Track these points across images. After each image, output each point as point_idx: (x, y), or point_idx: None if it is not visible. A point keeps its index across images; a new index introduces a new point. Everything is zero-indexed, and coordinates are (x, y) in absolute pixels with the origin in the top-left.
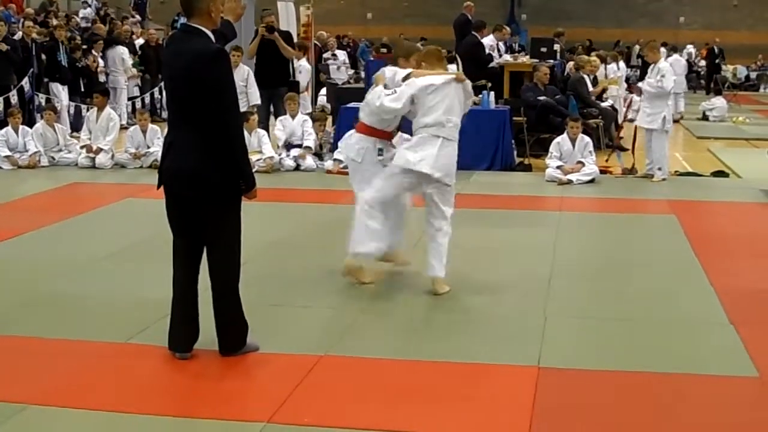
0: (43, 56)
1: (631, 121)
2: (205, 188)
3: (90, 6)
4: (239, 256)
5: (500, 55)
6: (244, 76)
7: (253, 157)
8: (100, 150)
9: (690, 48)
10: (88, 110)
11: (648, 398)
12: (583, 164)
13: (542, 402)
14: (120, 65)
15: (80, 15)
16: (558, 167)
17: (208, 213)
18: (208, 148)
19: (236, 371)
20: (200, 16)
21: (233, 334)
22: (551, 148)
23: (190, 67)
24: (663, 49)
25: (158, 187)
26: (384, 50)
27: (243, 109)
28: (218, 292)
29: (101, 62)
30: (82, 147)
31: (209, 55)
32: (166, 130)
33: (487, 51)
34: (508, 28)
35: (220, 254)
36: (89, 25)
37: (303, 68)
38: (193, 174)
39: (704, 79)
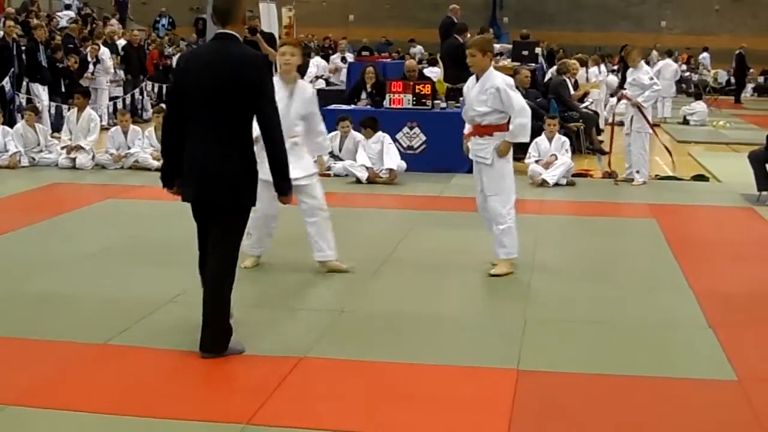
0: (24, 57)
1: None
2: (235, 194)
3: (71, 6)
4: (236, 262)
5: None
6: None
7: None
8: (80, 148)
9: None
10: (68, 110)
11: (627, 401)
12: (556, 156)
13: (521, 404)
14: (101, 65)
15: (60, 15)
16: (536, 161)
17: (226, 218)
18: (242, 154)
19: (216, 373)
20: (236, 23)
21: (217, 336)
22: (530, 149)
23: (235, 72)
24: (655, 53)
25: (185, 196)
26: (366, 53)
27: None
28: (210, 291)
29: (92, 68)
30: (62, 148)
31: (255, 59)
32: (189, 136)
33: None
34: (491, 30)
35: (222, 257)
36: (67, 25)
37: None
38: (228, 180)
39: (685, 83)
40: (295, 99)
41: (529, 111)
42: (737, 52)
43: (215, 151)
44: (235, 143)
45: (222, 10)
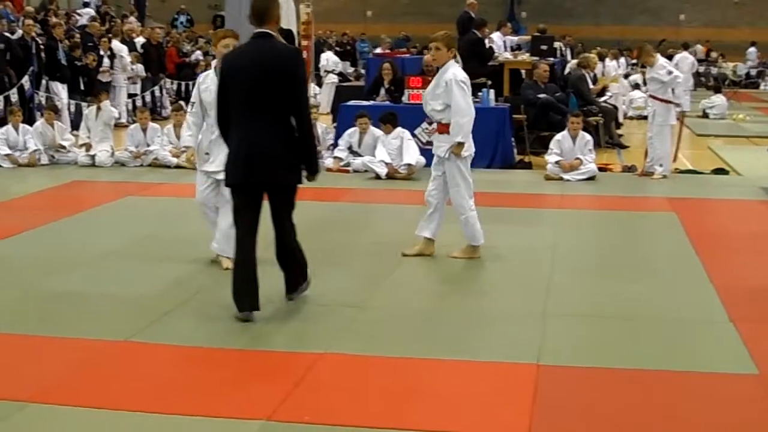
0: (43, 55)
1: (631, 118)
2: (285, 173)
3: (89, 4)
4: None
5: (506, 51)
6: None
7: None
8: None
9: (698, 46)
10: (87, 108)
11: (648, 396)
12: (581, 161)
13: (542, 400)
14: (119, 63)
15: (80, 12)
16: (556, 162)
17: (292, 194)
18: (288, 137)
19: (237, 369)
20: (271, 22)
21: (299, 277)
22: (551, 145)
23: (277, 65)
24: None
25: (240, 176)
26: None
27: None
28: (288, 248)
29: (107, 61)
30: (81, 146)
31: (295, 54)
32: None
33: (495, 49)
34: (509, 24)
35: (290, 222)
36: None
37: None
38: (280, 159)
39: (703, 76)
40: None
41: (467, 111)
42: None
43: (264, 137)
44: (281, 128)
45: (259, 11)
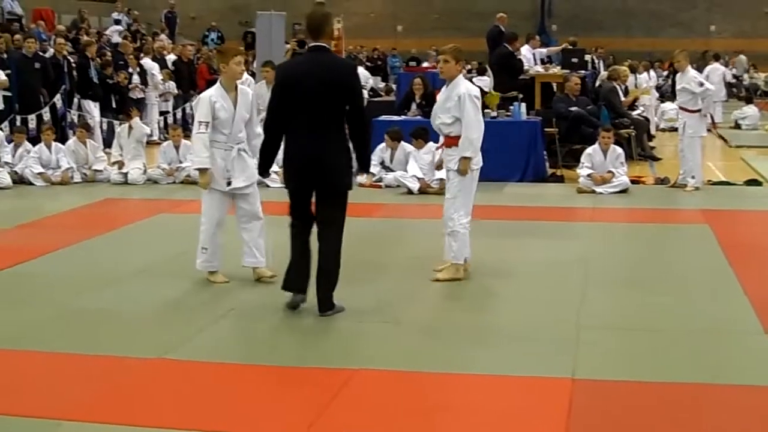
0: (75, 73)
1: (663, 130)
2: (339, 179)
3: (120, 22)
4: (342, 236)
5: (535, 64)
6: None
7: None
8: (123, 164)
9: (742, 56)
10: (119, 126)
11: (683, 409)
12: (613, 174)
13: (577, 414)
14: (150, 81)
15: (109, 31)
16: (588, 175)
17: (342, 200)
18: (341, 144)
19: (271, 385)
20: (325, 37)
21: (329, 296)
22: (582, 159)
23: (333, 76)
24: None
25: (295, 180)
26: (413, 63)
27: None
28: (327, 258)
29: (137, 78)
30: (113, 164)
31: (348, 65)
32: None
33: (524, 62)
34: (537, 37)
35: (336, 229)
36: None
37: None
38: (333, 165)
39: (735, 87)
40: (239, 105)
41: (478, 127)
42: None
43: (320, 144)
44: (335, 136)
45: (313, 26)
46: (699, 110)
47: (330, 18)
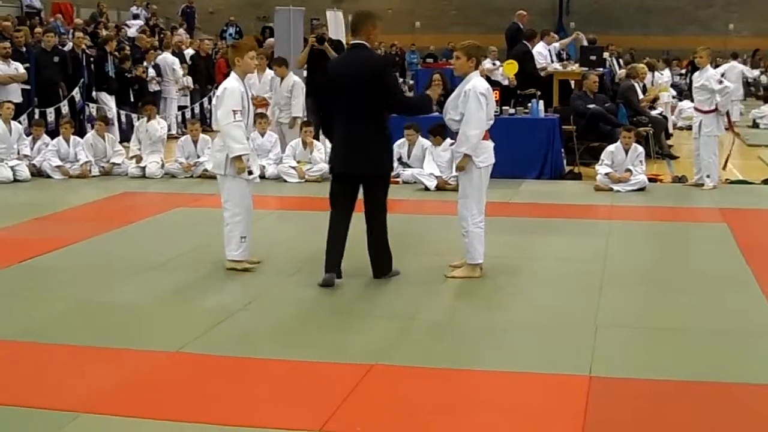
0: (92, 67)
1: (681, 129)
2: (379, 164)
3: (139, 16)
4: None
5: (552, 61)
6: (289, 87)
7: (304, 167)
8: (141, 158)
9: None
10: (138, 120)
11: (700, 409)
12: (631, 172)
13: (594, 412)
14: (170, 75)
15: (130, 23)
16: (606, 174)
17: (382, 184)
18: (380, 131)
19: (288, 380)
20: (364, 34)
21: (387, 263)
22: (603, 156)
23: (369, 70)
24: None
25: (339, 168)
26: (430, 60)
27: (285, 120)
28: (379, 233)
29: (152, 71)
30: (131, 158)
31: (381, 60)
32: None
33: (540, 58)
34: (555, 35)
35: (384, 205)
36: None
37: None
38: (373, 152)
39: (754, 86)
40: (248, 99)
41: (478, 124)
42: None
43: (357, 131)
44: (371, 123)
45: (353, 25)
46: (714, 109)
47: (368, 17)
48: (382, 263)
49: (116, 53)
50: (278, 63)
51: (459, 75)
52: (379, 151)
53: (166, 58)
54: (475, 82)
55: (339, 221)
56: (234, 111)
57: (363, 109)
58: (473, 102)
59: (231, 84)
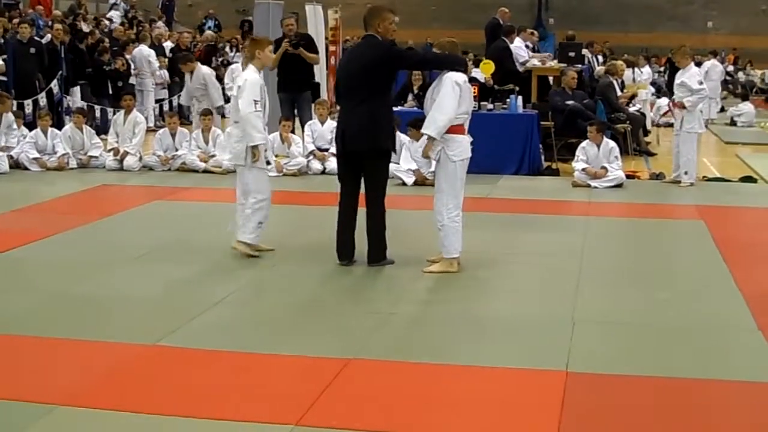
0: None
1: (659, 125)
2: (376, 141)
3: (118, 7)
4: (385, 195)
5: (529, 57)
6: (200, 80)
7: (282, 161)
8: (126, 154)
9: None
10: (114, 113)
11: (677, 404)
12: (606, 170)
13: (571, 407)
14: (146, 68)
15: (109, 16)
16: (583, 169)
17: (376, 162)
18: (380, 114)
19: (265, 374)
20: (373, 28)
21: (379, 251)
22: (577, 152)
23: (368, 58)
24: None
25: (340, 148)
26: None
27: (199, 110)
28: (373, 217)
29: (131, 64)
30: (108, 150)
31: (384, 45)
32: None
33: (520, 54)
34: (535, 32)
35: (380, 189)
36: (113, 27)
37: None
38: (368, 132)
39: (732, 84)
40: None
41: (448, 110)
42: None
43: (356, 114)
44: (371, 108)
45: (365, 19)
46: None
47: (376, 12)
48: (373, 251)
49: (94, 46)
50: (184, 60)
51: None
52: (375, 128)
53: (142, 50)
54: (452, 73)
55: (346, 203)
56: (255, 101)
57: (363, 93)
58: (447, 88)
59: (251, 76)
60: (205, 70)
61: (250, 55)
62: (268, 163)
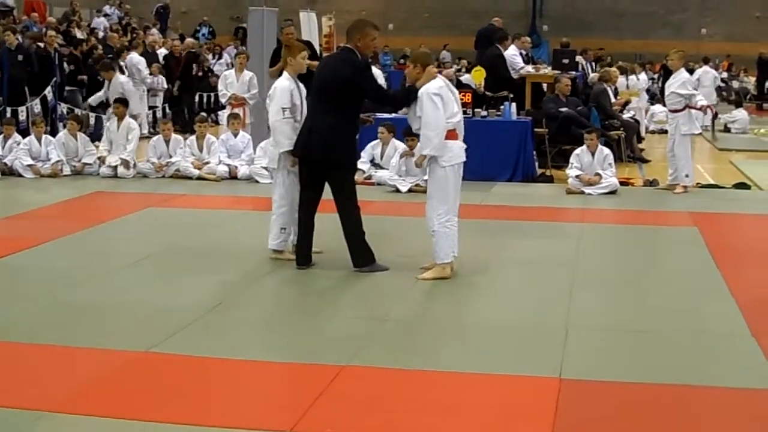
0: (66, 66)
1: (653, 132)
2: (335, 153)
3: (110, 15)
4: (355, 201)
5: (525, 63)
6: (118, 88)
7: None
8: (125, 162)
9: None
10: (108, 120)
11: (670, 411)
12: (600, 177)
13: (564, 414)
14: (136, 75)
15: (93, 24)
16: (577, 176)
17: (341, 173)
18: (340, 126)
19: (259, 380)
20: (353, 41)
21: (363, 255)
22: (571, 159)
23: (335, 73)
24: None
25: (298, 155)
26: (404, 61)
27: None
28: (345, 225)
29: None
30: (99, 158)
31: (355, 63)
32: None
33: (515, 61)
34: (528, 38)
35: (349, 197)
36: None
37: None
38: (333, 147)
39: (725, 91)
40: (303, 95)
41: (436, 125)
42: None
43: (322, 122)
44: (333, 120)
45: (347, 30)
46: (685, 108)
47: (359, 26)
48: (355, 256)
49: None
50: (104, 68)
51: (410, 83)
52: (337, 140)
53: (132, 58)
54: (427, 85)
55: (307, 209)
56: (283, 108)
57: (330, 106)
58: (427, 104)
59: (281, 83)
60: (122, 79)
61: (283, 62)
62: None
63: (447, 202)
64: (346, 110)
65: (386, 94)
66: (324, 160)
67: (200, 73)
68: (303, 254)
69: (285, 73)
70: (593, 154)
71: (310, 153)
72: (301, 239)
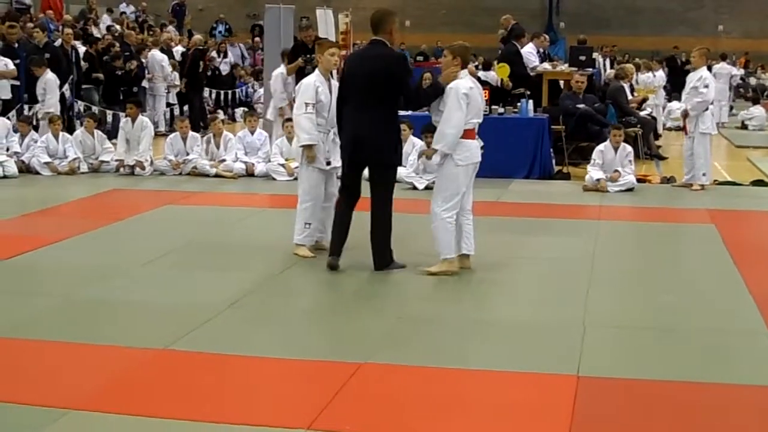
0: (83, 63)
1: (669, 129)
2: (385, 153)
3: (126, 13)
4: (392, 203)
5: (541, 62)
6: (43, 84)
7: (292, 164)
8: (140, 164)
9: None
10: (125, 118)
11: (688, 408)
12: (619, 173)
13: (582, 411)
14: (159, 72)
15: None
16: (597, 180)
17: (390, 173)
18: (389, 124)
19: (276, 377)
20: (384, 32)
21: (385, 257)
22: (594, 155)
23: (383, 66)
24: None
25: (348, 157)
26: (420, 58)
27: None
28: (379, 224)
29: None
30: (116, 161)
31: (396, 56)
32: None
33: (530, 59)
34: (546, 36)
35: (387, 203)
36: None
37: None
38: (380, 142)
39: (743, 87)
40: (334, 93)
41: (456, 123)
42: None
43: (365, 124)
44: (381, 117)
45: (374, 22)
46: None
47: (387, 16)
48: (378, 259)
49: (105, 50)
50: (36, 63)
51: (444, 72)
52: (386, 142)
53: (155, 55)
54: (459, 82)
55: (344, 210)
56: (306, 103)
57: (373, 103)
58: (453, 101)
59: (308, 79)
60: (49, 77)
61: (318, 60)
62: (328, 163)
63: (454, 197)
64: (391, 106)
65: (418, 91)
66: (375, 161)
67: (208, 72)
68: (337, 248)
69: (316, 70)
70: (616, 150)
71: (360, 157)
72: (338, 234)
